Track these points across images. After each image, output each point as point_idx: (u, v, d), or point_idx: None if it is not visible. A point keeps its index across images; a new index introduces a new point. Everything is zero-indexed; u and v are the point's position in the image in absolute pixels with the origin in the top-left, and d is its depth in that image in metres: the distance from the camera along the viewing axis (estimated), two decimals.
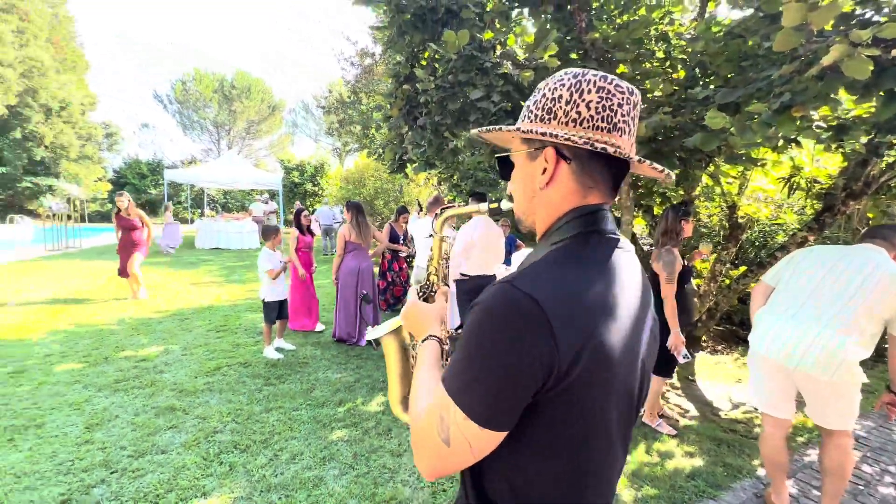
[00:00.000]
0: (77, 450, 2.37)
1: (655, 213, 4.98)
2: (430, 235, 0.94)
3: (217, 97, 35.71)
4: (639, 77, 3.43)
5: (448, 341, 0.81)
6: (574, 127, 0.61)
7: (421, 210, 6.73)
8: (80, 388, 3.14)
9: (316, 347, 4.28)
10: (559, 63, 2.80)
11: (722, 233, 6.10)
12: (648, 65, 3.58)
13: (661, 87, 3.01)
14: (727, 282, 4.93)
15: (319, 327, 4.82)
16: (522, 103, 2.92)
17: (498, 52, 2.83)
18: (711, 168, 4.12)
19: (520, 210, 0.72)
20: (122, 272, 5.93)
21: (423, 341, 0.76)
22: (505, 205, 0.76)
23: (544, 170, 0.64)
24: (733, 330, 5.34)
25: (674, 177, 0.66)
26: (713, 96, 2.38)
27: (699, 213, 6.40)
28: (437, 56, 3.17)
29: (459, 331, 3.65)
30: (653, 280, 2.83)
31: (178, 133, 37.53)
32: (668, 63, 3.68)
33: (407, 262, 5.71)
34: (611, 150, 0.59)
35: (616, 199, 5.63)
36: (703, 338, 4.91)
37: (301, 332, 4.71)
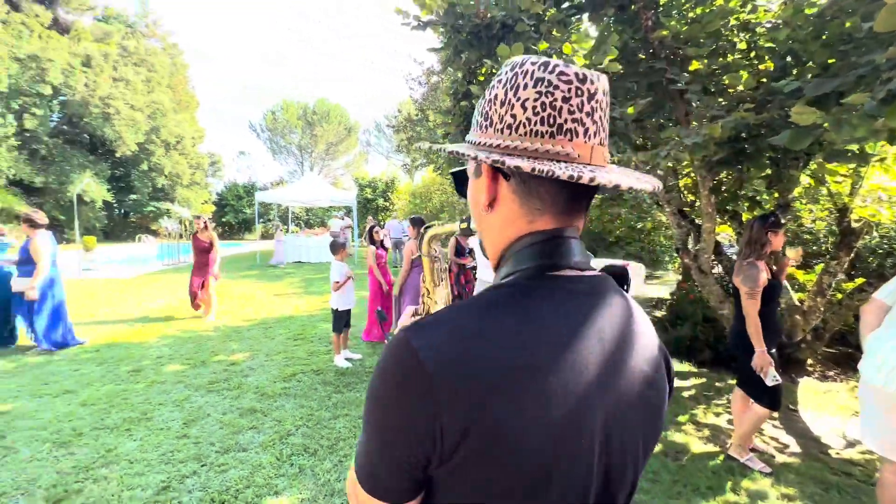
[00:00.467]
0: (176, 442, 2.70)
1: (744, 218, 4.47)
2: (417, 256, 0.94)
3: (301, 123, 39.22)
4: (718, 72, 3.14)
5: None
6: (509, 134, 0.48)
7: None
8: (182, 387, 3.57)
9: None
10: (620, 68, 2.67)
11: (831, 240, 5.30)
12: (730, 57, 3.27)
13: (743, 80, 2.72)
14: (839, 296, 4.25)
15: (357, 356, 5.02)
16: None
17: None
18: (812, 167, 3.62)
19: (478, 234, 0.59)
20: (191, 291, 5.97)
21: None
22: (474, 225, 0.63)
23: (487, 187, 0.52)
24: (848, 353, 4.58)
25: (660, 186, 0.51)
26: (804, 88, 2.10)
27: (801, 217, 5.63)
28: (492, 71, 3.20)
29: None
30: (735, 295, 2.54)
31: (269, 158, 41.73)
32: (752, 54, 3.33)
33: (474, 274, 5.74)
34: (544, 166, 0.43)
35: (696, 204, 5.10)
36: (809, 361, 4.27)
37: (370, 343, 4.93)
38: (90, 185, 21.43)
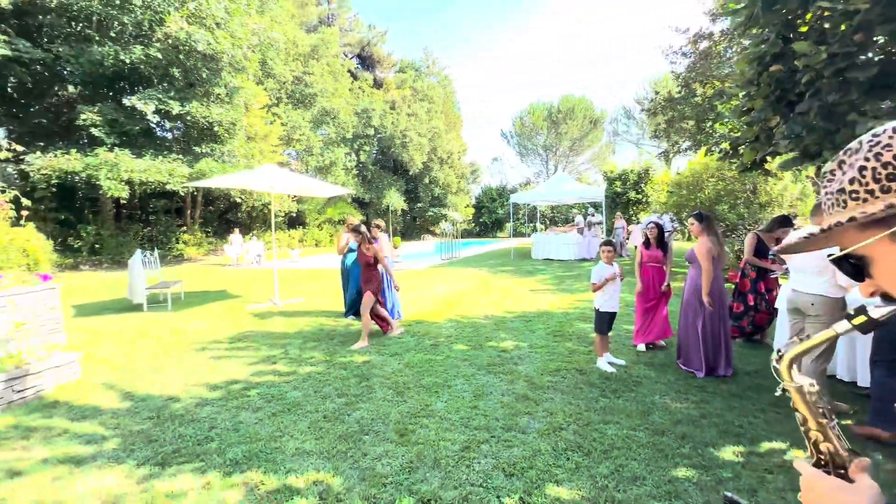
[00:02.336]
0: (469, 412, 3.26)
1: None
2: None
3: (546, 124, 40.47)
4: None
5: None
6: None
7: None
8: (467, 365, 4.28)
9: (649, 367, 4.09)
10: None
11: None
12: None
13: None
14: None
15: (661, 344, 4.70)
16: None
17: None
18: None
19: None
20: (373, 313, 5.17)
21: None
22: (878, 311, 0.56)
23: None
24: None
25: None
26: None
27: None
28: (825, 14, 2.39)
29: None
30: None
31: (517, 161, 44.92)
32: None
33: (777, 282, 4.54)
34: None
35: None
36: None
37: (634, 349, 4.63)
38: (394, 198, 28.56)
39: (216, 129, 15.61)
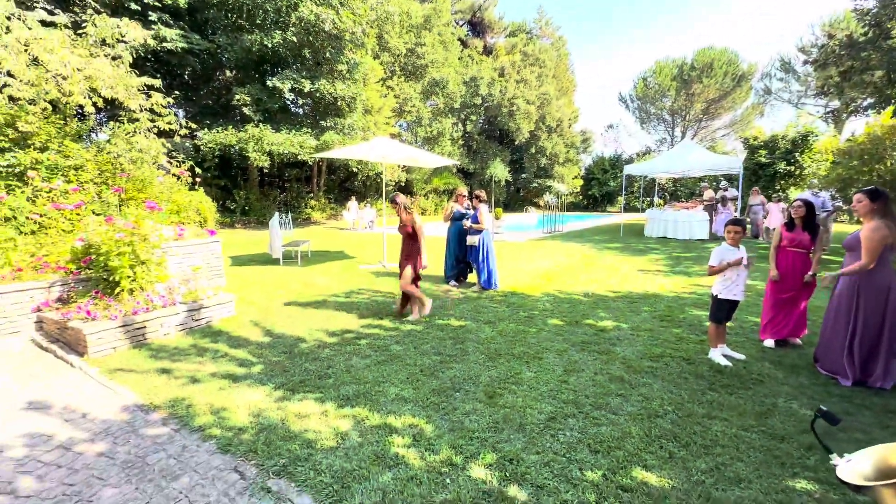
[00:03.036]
0: (559, 385, 3.26)
1: None
2: None
3: (675, 84, 35.49)
4: None
5: None
6: None
7: None
8: (561, 340, 4.24)
9: (776, 367, 3.58)
10: None
11: None
12: None
13: None
14: None
15: (796, 342, 4.05)
16: None
17: None
18: None
19: None
20: (404, 286, 4.96)
21: None
22: None
23: None
24: None
25: None
26: None
27: None
28: None
29: None
30: None
31: (636, 128, 40.62)
32: None
33: None
34: None
35: None
36: None
37: (759, 344, 4.08)
38: (498, 168, 28.28)
39: (339, 103, 17.05)
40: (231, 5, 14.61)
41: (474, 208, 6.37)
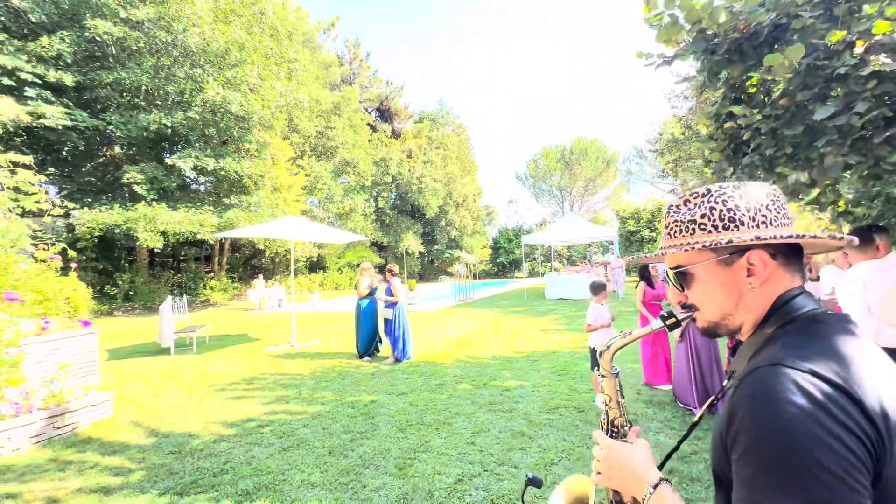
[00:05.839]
0: (467, 447, 3.41)
1: None
2: (602, 375, 0.88)
3: (559, 165, 41.43)
4: None
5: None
6: (768, 227, 0.69)
7: None
8: (470, 403, 4.44)
9: (648, 405, 4.15)
10: None
11: None
12: None
13: None
14: None
15: (666, 387, 4.62)
16: None
17: (858, 50, 2.14)
18: None
19: (718, 315, 0.73)
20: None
21: (654, 488, 0.70)
22: (682, 314, 0.79)
23: (749, 271, 0.69)
24: None
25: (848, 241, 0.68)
26: None
27: None
28: (768, 78, 2.74)
29: None
30: None
31: (533, 202, 45.64)
32: None
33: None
34: (807, 238, 0.67)
35: None
36: None
37: (634, 385, 4.69)
38: (411, 241, 29.28)
39: (245, 181, 16.78)
40: (127, 86, 14.21)
41: (387, 281, 6.58)
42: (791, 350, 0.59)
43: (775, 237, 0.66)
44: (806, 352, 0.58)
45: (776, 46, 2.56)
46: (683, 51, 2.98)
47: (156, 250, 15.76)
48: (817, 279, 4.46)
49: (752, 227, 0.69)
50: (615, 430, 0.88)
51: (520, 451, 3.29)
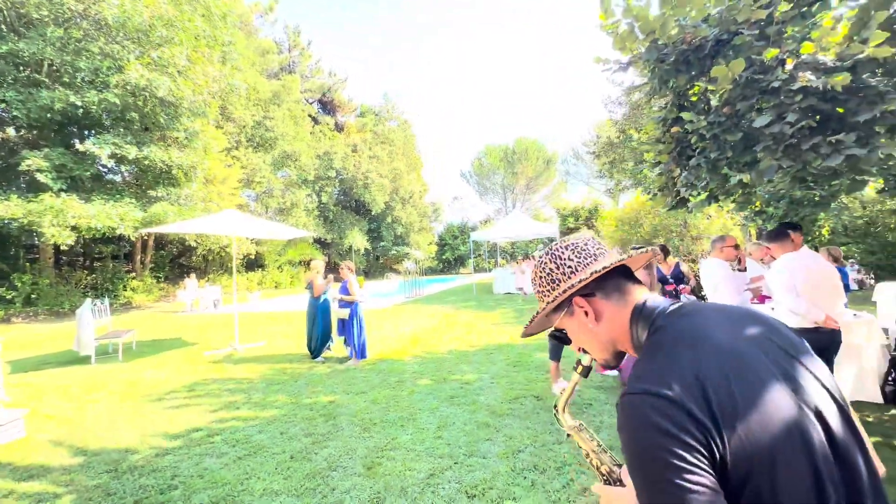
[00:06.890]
0: (434, 442, 3.42)
1: None
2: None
3: (503, 164, 42.60)
4: None
5: None
6: (575, 274, 0.82)
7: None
8: (432, 398, 4.44)
9: (599, 391, 4.42)
10: (895, 52, 2.15)
11: None
12: None
13: None
14: None
15: (613, 373, 4.93)
16: (834, 113, 2.37)
17: (789, 66, 2.44)
18: None
19: (601, 354, 0.85)
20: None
21: None
22: (586, 359, 0.90)
23: (586, 312, 0.81)
24: None
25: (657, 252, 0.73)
26: None
27: None
28: (709, 88, 3.02)
29: None
30: None
31: (478, 199, 46.58)
32: None
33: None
34: (604, 269, 0.79)
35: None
36: None
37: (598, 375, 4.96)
38: (356, 237, 28.61)
39: (174, 172, 15.36)
40: (25, 59, 12.38)
41: (342, 280, 6.35)
42: (635, 373, 0.69)
43: (573, 285, 0.79)
44: (644, 371, 0.68)
45: (717, 59, 2.82)
46: (637, 58, 3.19)
47: (63, 248, 13.97)
48: (744, 270, 5.01)
49: (565, 280, 0.82)
50: (610, 477, 0.90)
51: (487, 442, 3.36)
